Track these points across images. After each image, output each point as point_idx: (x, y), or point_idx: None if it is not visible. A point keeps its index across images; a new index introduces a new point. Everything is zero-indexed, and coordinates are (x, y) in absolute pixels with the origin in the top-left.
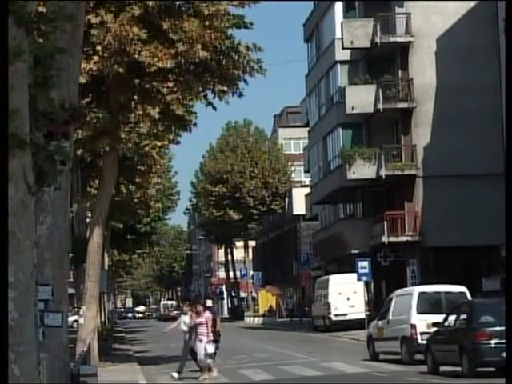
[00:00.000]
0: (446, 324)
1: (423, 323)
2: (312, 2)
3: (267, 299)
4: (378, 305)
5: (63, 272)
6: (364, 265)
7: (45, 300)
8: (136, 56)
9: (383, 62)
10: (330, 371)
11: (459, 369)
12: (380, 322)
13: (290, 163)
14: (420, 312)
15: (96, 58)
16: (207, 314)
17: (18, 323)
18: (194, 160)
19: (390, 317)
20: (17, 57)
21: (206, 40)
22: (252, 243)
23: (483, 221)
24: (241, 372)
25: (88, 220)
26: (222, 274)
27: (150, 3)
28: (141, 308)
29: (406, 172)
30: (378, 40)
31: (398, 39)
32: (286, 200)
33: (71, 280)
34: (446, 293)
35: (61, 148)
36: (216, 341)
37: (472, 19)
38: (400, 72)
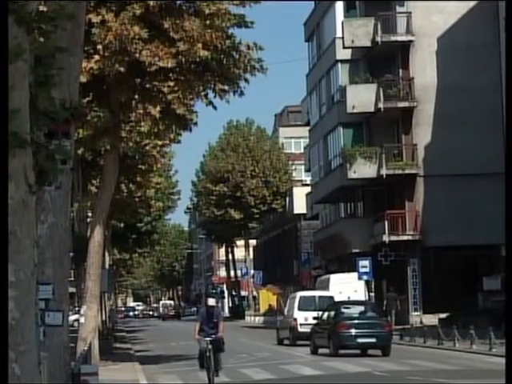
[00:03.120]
0: (323, 318)
1: (302, 317)
2: (313, 2)
3: (268, 298)
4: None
5: (64, 271)
6: (365, 264)
7: (45, 299)
8: (137, 55)
9: (384, 61)
10: (330, 370)
11: (327, 350)
12: (282, 317)
13: (290, 162)
14: (300, 309)
15: (97, 57)
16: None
17: (19, 322)
18: (195, 159)
19: (285, 312)
20: (17, 56)
21: (207, 39)
22: (253, 242)
23: (484, 220)
24: (241, 371)
25: (89, 219)
26: (222, 273)
27: (151, 2)
28: (140, 305)
29: (407, 171)
30: (378, 39)
31: (399, 38)
32: (287, 199)
33: (72, 279)
34: (319, 296)
35: (62, 147)
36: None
37: (473, 18)
38: (401, 71)
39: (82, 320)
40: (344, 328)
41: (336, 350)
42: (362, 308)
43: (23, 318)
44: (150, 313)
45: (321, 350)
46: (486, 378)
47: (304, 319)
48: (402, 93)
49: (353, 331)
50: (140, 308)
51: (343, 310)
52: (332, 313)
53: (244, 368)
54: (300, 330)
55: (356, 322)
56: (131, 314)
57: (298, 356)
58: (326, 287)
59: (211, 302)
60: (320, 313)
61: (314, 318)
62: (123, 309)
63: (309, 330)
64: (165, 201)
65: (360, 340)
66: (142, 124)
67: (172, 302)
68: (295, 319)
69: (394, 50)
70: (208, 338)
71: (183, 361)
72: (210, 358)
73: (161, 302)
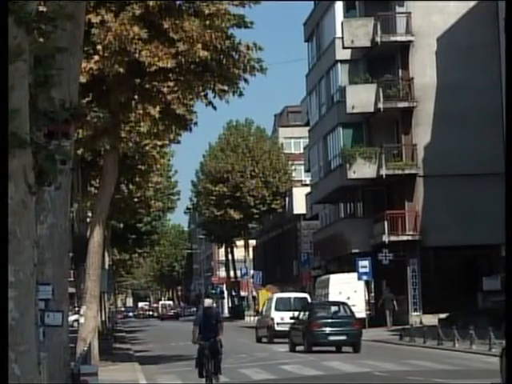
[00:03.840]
0: (299, 318)
1: (278, 317)
2: (312, 2)
3: (267, 298)
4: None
5: (64, 271)
6: (364, 264)
7: (45, 299)
8: (136, 55)
9: (384, 62)
10: (330, 370)
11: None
12: (260, 316)
13: (290, 162)
14: (276, 310)
15: (96, 57)
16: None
17: (19, 323)
18: (195, 159)
19: (263, 313)
20: (17, 56)
21: (207, 39)
22: (252, 242)
23: (484, 220)
24: (241, 371)
25: (88, 219)
26: (222, 273)
27: (151, 3)
28: (143, 304)
29: (407, 171)
30: (378, 39)
31: (399, 38)
32: (287, 199)
33: (72, 279)
34: (294, 298)
35: (61, 147)
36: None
37: (472, 18)
38: (400, 71)
39: (82, 320)
40: (317, 327)
41: (310, 346)
42: (335, 308)
43: (23, 318)
44: (150, 313)
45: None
46: (485, 378)
47: (280, 319)
48: (401, 93)
49: (325, 329)
50: (145, 307)
51: (317, 310)
52: (307, 313)
53: (244, 368)
54: (277, 328)
55: (328, 321)
56: (130, 314)
57: (298, 356)
58: (325, 287)
59: (207, 303)
60: (297, 313)
61: (291, 318)
62: (123, 309)
63: (285, 329)
64: (165, 201)
65: (332, 338)
66: (142, 124)
67: (171, 303)
68: (272, 319)
69: (393, 50)
70: (207, 342)
71: (183, 361)
72: (209, 364)
73: (160, 303)
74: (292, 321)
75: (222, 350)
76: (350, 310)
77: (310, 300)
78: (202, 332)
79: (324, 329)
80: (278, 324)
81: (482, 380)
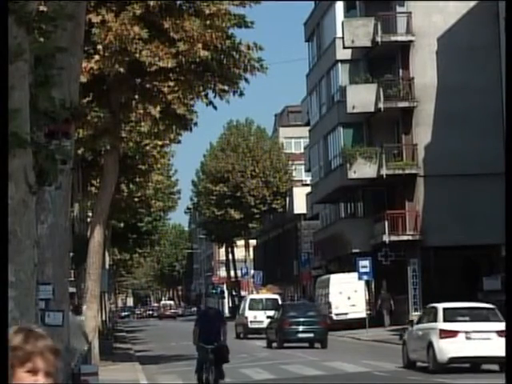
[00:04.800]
0: (274, 316)
1: (252, 315)
2: (313, 2)
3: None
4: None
5: (64, 271)
6: (365, 264)
7: (45, 299)
8: (137, 55)
9: (384, 61)
10: (331, 370)
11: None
12: (238, 315)
13: (290, 162)
14: (250, 309)
15: (97, 57)
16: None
17: (19, 322)
18: (195, 159)
19: (240, 312)
20: (18, 56)
21: (207, 39)
22: (253, 242)
23: (484, 220)
24: (242, 371)
25: (89, 219)
26: (222, 273)
27: (151, 2)
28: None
29: (407, 171)
30: (378, 39)
31: (399, 38)
32: (287, 199)
33: (72, 279)
34: (266, 298)
35: (62, 147)
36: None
37: (473, 18)
38: (401, 71)
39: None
40: (288, 325)
41: (281, 343)
42: (304, 308)
43: (23, 317)
44: (150, 312)
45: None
46: (485, 378)
47: (253, 317)
48: (402, 93)
49: (295, 328)
50: (138, 312)
51: (288, 310)
52: (279, 312)
53: (244, 368)
54: (250, 326)
55: (297, 320)
56: (123, 314)
57: (299, 356)
58: (326, 287)
59: (211, 302)
60: (272, 312)
61: (268, 317)
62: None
63: (257, 326)
64: (165, 200)
65: (300, 335)
66: (142, 124)
67: (172, 303)
68: (246, 317)
69: (394, 50)
70: (210, 346)
71: (183, 361)
72: (211, 370)
73: (161, 303)
74: (265, 319)
75: (228, 357)
76: (318, 311)
77: (280, 301)
78: (203, 333)
79: (294, 327)
80: (251, 322)
81: (483, 380)
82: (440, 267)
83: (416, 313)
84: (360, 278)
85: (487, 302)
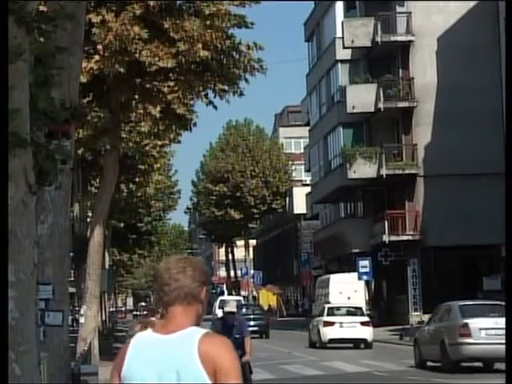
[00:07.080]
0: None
1: (220, 314)
2: (313, 2)
3: (268, 298)
4: (378, 304)
5: (64, 271)
6: (365, 264)
7: (45, 299)
8: (137, 55)
9: (384, 61)
10: (330, 370)
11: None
12: (212, 315)
13: (290, 162)
14: (219, 308)
15: (97, 57)
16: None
17: (19, 322)
18: (195, 159)
19: (212, 312)
20: (17, 56)
21: (207, 39)
22: (253, 242)
23: (484, 220)
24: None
25: (89, 219)
26: (222, 273)
27: (151, 2)
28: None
29: (407, 171)
30: (378, 39)
31: (399, 38)
32: (287, 199)
33: (72, 279)
34: (231, 300)
35: (62, 147)
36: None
37: (473, 18)
38: (401, 71)
39: (82, 320)
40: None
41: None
42: (252, 307)
43: (23, 318)
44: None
45: None
46: (485, 378)
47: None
48: (402, 93)
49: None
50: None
51: (242, 308)
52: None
53: None
54: None
55: (246, 316)
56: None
57: (298, 356)
58: (326, 287)
59: (231, 307)
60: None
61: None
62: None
63: None
64: (165, 200)
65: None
66: (142, 124)
67: None
68: (216, 314)
69: (394, 49)
70: None
71: None
72: None
73: None
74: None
75: (251, 377)
76: (262, 308)
77: (242, 302)
78: None
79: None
80: None
81: (483, 380)
82: (440, 267)
83: (416, 313)
84: (360, 278)
85: None
